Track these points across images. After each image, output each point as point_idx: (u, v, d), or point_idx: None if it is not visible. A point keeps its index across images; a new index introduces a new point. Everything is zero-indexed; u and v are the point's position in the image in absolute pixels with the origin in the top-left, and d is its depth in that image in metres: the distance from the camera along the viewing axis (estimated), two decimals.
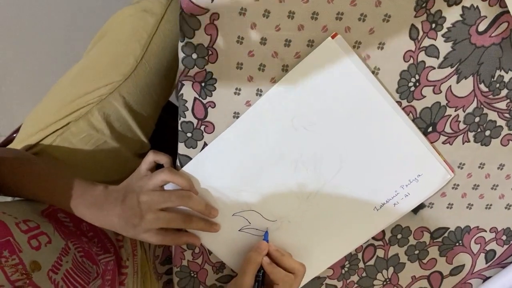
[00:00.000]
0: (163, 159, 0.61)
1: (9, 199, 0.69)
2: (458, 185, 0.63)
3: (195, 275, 0.68)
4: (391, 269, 0.69)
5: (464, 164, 0.62)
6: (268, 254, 0.61)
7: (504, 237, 0.68)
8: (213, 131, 0.59)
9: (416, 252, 0.68)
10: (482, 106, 0.58)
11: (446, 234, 0.67)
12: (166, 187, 0.60)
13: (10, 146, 0.79)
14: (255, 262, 0.60)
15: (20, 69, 1.52)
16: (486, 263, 0.70)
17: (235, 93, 0.57)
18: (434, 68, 0.56)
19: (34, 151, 0.73)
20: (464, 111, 0.59)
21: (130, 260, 0.79)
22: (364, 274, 0.70)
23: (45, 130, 0.73)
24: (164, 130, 0.87)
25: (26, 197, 0.66)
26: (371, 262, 0.69)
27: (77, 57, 0.76)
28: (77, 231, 0.70)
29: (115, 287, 0.73)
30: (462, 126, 0.59)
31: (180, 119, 0.58)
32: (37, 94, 0.79)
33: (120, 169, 0.78)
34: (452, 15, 0.53)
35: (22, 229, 0.57)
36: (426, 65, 0.56)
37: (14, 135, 0.84)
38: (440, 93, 0.57)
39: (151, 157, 0.61)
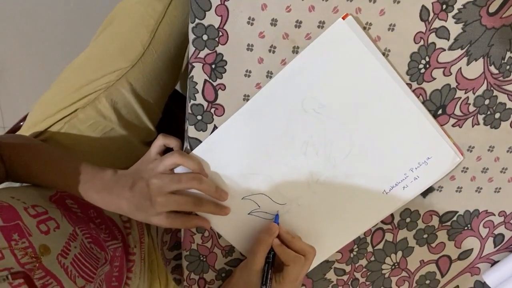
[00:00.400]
0: (172, 142, 0.61)
1: (17, 185, 0.69)
2: (467, 168, 0.63)
3: (205, 259, 0.69)
4: (399, 253, 0.70)
5: (473, 147, 0.62)
6: (279, 236, 0.61)
7: None
8: (223, 113, 0.59)
9: (425, 236, 0.68)
10: (492, 88, 0.58)
11: (455, 218, 0.67)
12: (176, 170, 0.60)
13: (17, 133, 0.79)
14: (265, 243, 0.60)
15: (24, 62, 1.52)
16: (495, 247, 0.70)
17: (245, 75, 0.57)
18: (445, 50, 0.56)
19: (42, 138, 0.74)
20: (474, 94, 0.59)
21: (138, 247, 0.79)
22: (372, 258, 0.70)
23: (53, 117, 0.73)
24: (170, 118, 0.88)
25: (34, 183, 0.66)
26: (380, 246, 0.69)
27: (81, 49, 0.76)
28: (84, 217, 0.70)
29: (123, 274, 0.73)
30: (472, 108, 0.59)
31: (190, 102, 0.58)
32: (41, 87, 0.79)
33: (127, 157, 0.78)
34: None
35: (31, 214, 0.58)
36: (437, 47, 0.56)
37: (21, 123, 0.84)
38: (450, 75, 0.57)
39: (160, 141, 0.61)
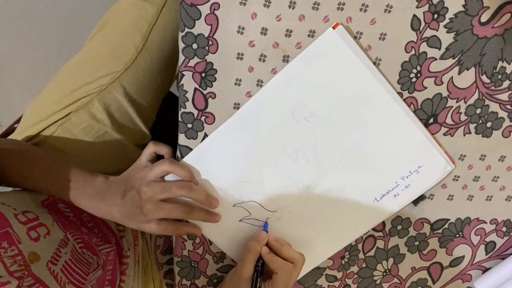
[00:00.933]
0: (163, 149, 0.61)
1: (9, 189, 0.69)
2: (458, 176, 0.63)
3: (196, 265, 0.69)
4: (391, 260, 0.70)
5: (465, 156, 0.62)
6: (268, 244, 0.61)
7: (504, 229, 0.68)
8: (214, 122, 0.59)
9: (416, 243, 0.68)
10: (483, 97, 0.58)
11: (446, 226, 0.67)
12: (167, 178, 0.60)
13: (11, 136, 0.79)
14: (254, 251, 0.60)
15: (21, 60, 1.52)
16: (486, 254, 0.70)
17: (235, 83, 0.57)
18: (436, 59, 0.56)
19: (35, 141, 0.74)
20: (465, 103, 0.58)
21: (131, 250, 0.79)
22: (364, 265, 0.70)
23: (46, 120, 0.73)
24: (165, 121, 0.88)
25: (26, 188, 0.66)
26: (371, 253, 0.69)
27: (78, 48, 0.76)
28: (77, 222, 0.70)
29: (116, 277, 0.73)
30: (463, 117, 0.59)
31: (180, 110, 0.58)
32: (39, 85, 0.79)
33: (121, 160, 0.78)
34: (455, 5, 0.53)
35: (21, 220, 0.57)
36: (428, 56, 0.55)
37: (16, 125, 0.84)
38: (441, 84, 0.57)
39: (151, 148, 0.61)
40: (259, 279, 0.59)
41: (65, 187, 0.62)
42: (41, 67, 1.50)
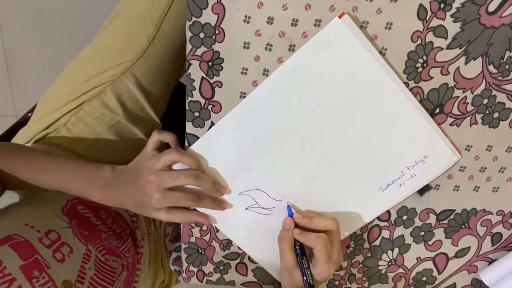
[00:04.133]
0: (167, 137, 0.61)
1: (16, 196, 0.70)
2: (465, 167, 0.63)
3: (203, 252, 0.70)
4: (396, 250, 0.70)
5: (471, 146, 0.62)
6: (298, 225, 0.61)
7: (511, 220, 0.68)
8: (220, 110, 0.59)
9: (422, 233, 0.69)
10: (490, 87, 0.58)
11: (452, 216, 0.67)
12: (174, 167, 0.61)
13: (25, 126, 0.81)
14: (286, 239, 0.60)
15: (35, 51, 1.54)
16: (492, 245, 0.70)
17: (242, 72, 0.57)
18: (442, 49, 0.55)
19: (49, 131, 0.75)
20: (472, 93, 0.58)
21: (145, 239, 0.81)
22: (369, 255, 0.70)
23: (60, 110, 0.75)
24: (175, 111, 0.89)
25: (32, 188, 0.66)
26: (376, 242, 0.69)
27: (91, 39, 0.77)
28: (96, 228, 0.71)
29: (135, 267, 0.75)
30: (470, 108, 0.59)
31: (187, 99, 0.59)
32: (52, 75, 0.80)
33: (132, 149, 0.79)
34: None
35: (45, 244, 0.59)
36: (434, 46, 0.55)
37: (29, 114, 0.86)
38: (448, 74, 0.57)
39: (155, 137, 0.61)
40: (303, 261, 0.59)
41: (73, 183, 0.63)
42: (55, 58, 1.52)
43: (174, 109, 0.88)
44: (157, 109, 0.80)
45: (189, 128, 0.61)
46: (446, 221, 0.67)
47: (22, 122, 0.88)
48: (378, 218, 0.67)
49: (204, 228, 0.68)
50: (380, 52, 0.56)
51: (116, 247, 0.70)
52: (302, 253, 0.60)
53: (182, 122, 0.63)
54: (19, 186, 0.68)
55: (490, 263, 0.71)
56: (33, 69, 1.57)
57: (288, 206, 0.63)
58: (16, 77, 1.58)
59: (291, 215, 0.62)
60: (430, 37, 0.55)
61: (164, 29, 0.73)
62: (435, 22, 0.54)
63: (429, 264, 0.71)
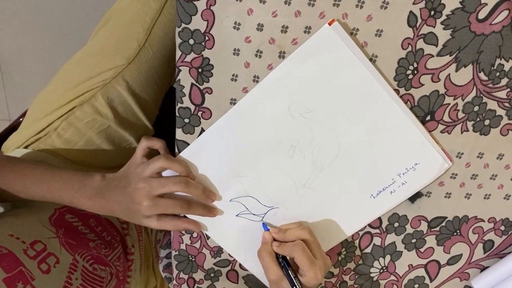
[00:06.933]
0: (156, 144, 0.61)
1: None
2: (456, 174, 0.63)
3: (193, 259, 0.70)
4: (388, 257, 0.70)
5: (462, 154, 0.61)
6: (274, 239, 0.62)
7: (502, 228, 0.67)
8: (210, 117, 0.59)
9: (413, 240, 0.68)
10: (481, 95, 0.58)
11: (443, 224, 0.67)
12: (163, 174, 0.61)
13: (16, 131, 0.80)
14: (266, 252, 0.60)
15: (29, 55, 1.54)
16: (484, 253, 0.70)
17: (232, 79, 0.57)
18: (433, 56, 0.55)
19: (40, 136, 0.75)
20: (463, 100, 0.58)
21: (136, 246, 0.80)
22: (360, 262, 0.70)
23: (51, 115, 0.74)
24: (167, 116, 0.88)
25: (22, 198, 0.66)
26: (368, 249, 0.69)
27: (85, 42, 0.77)
28: (84, 237, 0.70)
29: (125, 275, 0.74)
30: (461, 115, 0.59)
31: (177, 105, 0.58)
32: (46, 79, 0.80)
33: (123, 154, 0.79)
34: (452, 2, 0.52)
35: (30, 256, 0.58)
36: (425, 53, 0.55)
37: (21, 119, 0.86)
38: (438, 81, 0.57)
39: (144, 144, 0.61)
40: (289, 271, 0.59)
41: (63, 192, 0.63)
42: (49, 62, 1.52)
43: (166, 115, 0.88)
44: (148, 114, 0.80)
45: (179, 134, 0.60)
46: (437, 228, 0.67)
47: (14, 127, 0.87)
48: (369, 225, 0.66)
49: (195, 235, 0.67)
50: (371, 59, 0.55)
51: (104, 256, 0.70)
52: (287, 264, 0.60)
53: (174, 128, 0.63)
54: (10, 199, 0.67)
55: (482, 270, 0.71)
56: (27, 73, 1.57)
57: (263, 223, 0.64)
58: (10, 81, 1.58)
59: (267, 230, 0.63)
60: (420, 44, 0.55)
61: (156, 34, 0.73)
62: (425, 29, 0.54)
63: (421, 272, 0.71)
